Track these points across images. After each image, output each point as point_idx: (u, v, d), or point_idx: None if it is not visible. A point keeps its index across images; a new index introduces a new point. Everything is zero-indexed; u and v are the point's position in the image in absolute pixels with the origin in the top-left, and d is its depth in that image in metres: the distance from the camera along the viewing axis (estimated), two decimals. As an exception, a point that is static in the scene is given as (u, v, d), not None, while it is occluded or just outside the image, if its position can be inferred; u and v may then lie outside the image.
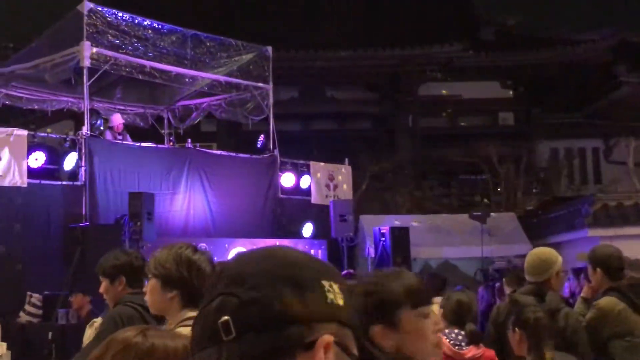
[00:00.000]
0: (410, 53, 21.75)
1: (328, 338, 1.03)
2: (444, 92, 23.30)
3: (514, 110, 24.09)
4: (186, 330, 2.85)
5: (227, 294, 1.04)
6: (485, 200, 20.42)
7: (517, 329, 3.63)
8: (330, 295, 1.06)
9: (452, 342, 4.22)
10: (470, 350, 4.21)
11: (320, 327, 1.04)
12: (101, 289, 4.21)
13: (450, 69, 22.33)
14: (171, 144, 13.96)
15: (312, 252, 13.03)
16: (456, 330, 4.27)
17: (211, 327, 1.03)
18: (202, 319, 1.06)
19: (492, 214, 15.62)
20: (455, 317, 4.35)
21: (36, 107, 13.95)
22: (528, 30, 24.66)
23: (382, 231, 13.33)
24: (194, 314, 2.94)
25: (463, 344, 4.21)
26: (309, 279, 1.06)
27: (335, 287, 1.08)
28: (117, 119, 13.01)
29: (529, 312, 3.67)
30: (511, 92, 24.08)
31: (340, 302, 1.07)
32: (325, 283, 1.07)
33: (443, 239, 15.33)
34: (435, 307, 6.46)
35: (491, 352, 4.25)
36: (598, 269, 4.55)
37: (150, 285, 3.04)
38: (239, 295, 1.03)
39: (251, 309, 1.02)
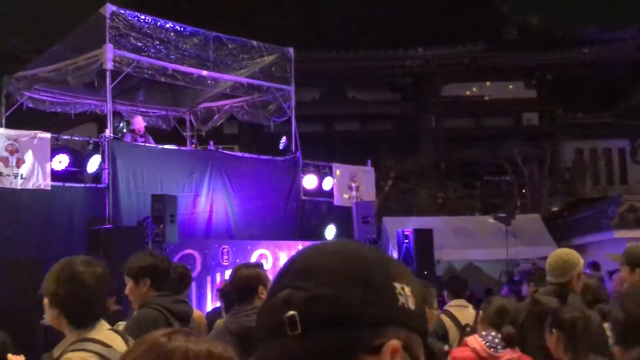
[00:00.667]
0: (433, 53, 21.69)
1: (395, 343, 1.00)
2: (467, 92, 23.19)
3: (538, 110, 23.93)
4: (75, 356, 2.75)
5: (294, 287, 1.03)
6: (510, 201, 20.27)
7: (554, 330, 3.60)
8: (402, 299, 1.03)
9: (487, 344, 4.18)
10: (506, 354, 4.16)
11: (389, 331, 1.01)
12: (126, 290, 4.26)
13: (474, 69, 22.22)
14: (193, 146, 14.02)
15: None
16: (493, 333, 4.24)
17: (277, 319, 1.02)
18: (268, 309, 1.05)
19: (516, 215, 15.53)
20: (495, 320, 4.33)
21: (59, 110, 14.07)
22: (552, 30, 24.48)
23: (405, 233, 13.28)
24: (86, 335, 2.88)
25: (499, 347, 4.17)
26: (380, 279, 1.03)
27: (407, 290, 1.04)
28: (139, 122, 13.12)
29: (566, 313, 3.65)
30: (535, 92, 23.91)
31: (412, 306, 1.04)
32: (397, 285, 1.04)
33: (467, 240, 15.27)
34: (454, 309, 6.48)
35: (528, 358, 4.19)
36: (637, 270, 4.54)
37: (44, 303, 2.99)
38: (306, 289, 1.01)
39: (318, 305, 1.00)
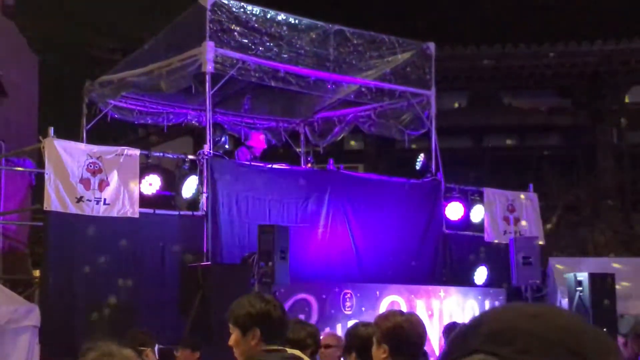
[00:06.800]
0: (614, 48, 21.16)
1: None
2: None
3: None
4: None
5: (487, 353, 1.05)
6: None
7: None
8: None
9: None
10: None
11: None
12: (231, 341, 4.33)
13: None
14: (309, 165, 14.20)
15: (487, 304, 12.86)
16: None
17: None
18: None
19: None
20: None
21: (150, 121, 14.58)
22: None
23: (578, 279, 12.97)
24: None
25: None
26: (593, 354, 1.05)
27: None
28: (260, 141, 13.51)
29: None
30: None
31: None
32: None
33: (661, 290, 14.71)
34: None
35: None
36: None
37: None
38: (505, 357, 1.04)
39: None
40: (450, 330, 8.47)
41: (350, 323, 11.32)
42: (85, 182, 10.62)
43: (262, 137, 14.03)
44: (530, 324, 1.06)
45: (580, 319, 1.11)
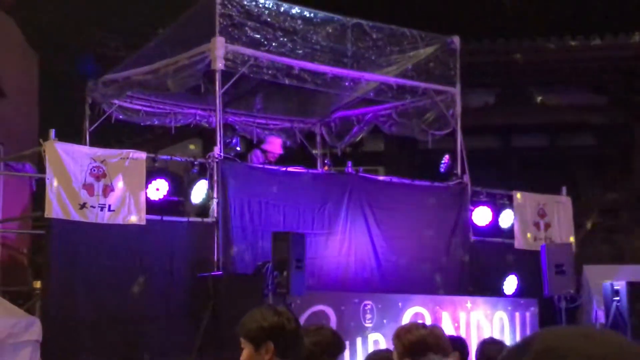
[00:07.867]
0: (653, 40, 21.05)
1: None
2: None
3: None
4: None
5: None
6: None
7: None
8: None
9: None
10: None
11: None
12: (243, 357, 4.34)
13: None
14: (326, 168, 14.21)
15: (517, 315, 12.83)
16: None
17: None
18: None
19: None
20: None
21: (156, 122, 14.62)
22: None
23: (615, 288, 12.92)
24: None
25: None
26: None
27: None
28: (276, 145, 13.53)
29: None
30: None
31: None
32: None
33: None
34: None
35: None
36: None
37: None
38: None
39: None
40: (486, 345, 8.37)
41: (371, 336, 11.35)
42: (89, 188, 10.61)
43: (279, 142, 14.04)
44: (581, 343, 1.16)
45: (630, 342, 1.20)
